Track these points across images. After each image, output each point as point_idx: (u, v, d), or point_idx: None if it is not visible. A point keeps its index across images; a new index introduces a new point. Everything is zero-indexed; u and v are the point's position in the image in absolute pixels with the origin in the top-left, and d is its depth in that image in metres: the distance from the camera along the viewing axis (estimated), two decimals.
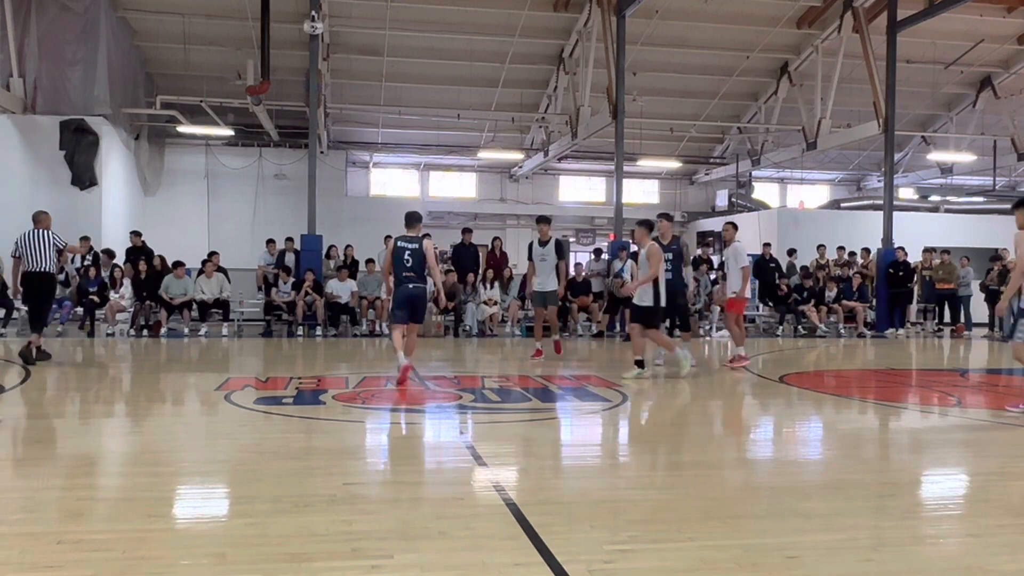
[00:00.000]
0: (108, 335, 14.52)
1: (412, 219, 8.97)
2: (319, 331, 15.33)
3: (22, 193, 16.39)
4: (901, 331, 17.72)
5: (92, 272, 14.89)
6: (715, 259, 18.22)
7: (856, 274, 18.01)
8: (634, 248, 12.74)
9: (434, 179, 28.03)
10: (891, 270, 17.93)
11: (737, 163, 26.38)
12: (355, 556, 3.46)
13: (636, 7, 17.56)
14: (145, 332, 14.84)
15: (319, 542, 3.62)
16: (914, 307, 18.98)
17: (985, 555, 3.72)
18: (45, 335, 10.95)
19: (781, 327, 16.99)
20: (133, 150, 20.94)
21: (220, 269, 15.57)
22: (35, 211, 10.54)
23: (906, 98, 21.87)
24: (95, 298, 14.60)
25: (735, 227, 11.50)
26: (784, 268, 18.61)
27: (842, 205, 26.87)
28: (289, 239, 16.79)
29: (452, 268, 16.31)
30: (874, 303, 18.12)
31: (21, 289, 10.33)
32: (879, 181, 25.62)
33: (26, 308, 11.62)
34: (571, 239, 27.48)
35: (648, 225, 10.01)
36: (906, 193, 28.08)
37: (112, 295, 14.79)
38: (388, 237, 15.94)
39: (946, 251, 18.48)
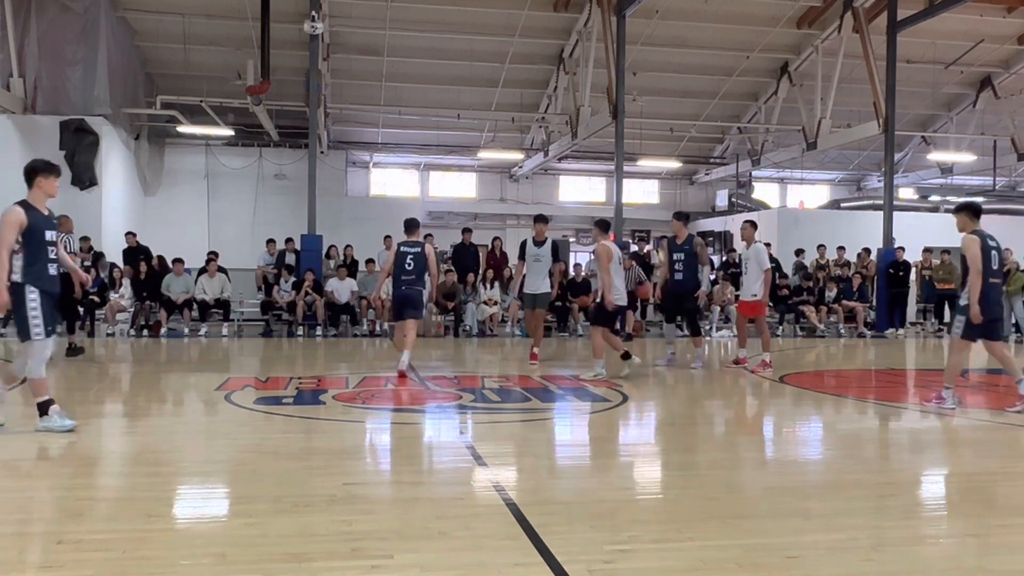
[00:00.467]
0: (108, 335, 14.52)
1: (412, 225, 9.27)
2: (319, 331, 15.32)
3: (22, 193, 16.24)
4: (901, 331, 17.72)
5: (92, 272, 14.87)
6: (715, 259, 18.21)
7: (856, 274, 18.01)
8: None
9: (434, 179, 28.00)
10: (891, 270, 17.93)
11: (737, 163, 26.34)
12: (355, 556, 3.47)
13: (636, 7, 17.54)
14: (145, 332, 14.84)
15: (319, 542, 3.62)
16: (912, 307, 18.95)
17: (985, 555, 3.72)
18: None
19: (781, 327, 16.99)
20: (133, 150, 20.92)
21: (220, 269, 15.58)
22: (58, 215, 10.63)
23: (906, 98, 21.82)
24: (95, 298, 14.59)
25: (754, 226, 10.88)
26: (792, 268, 18.64)
27: (842, 205, 26.86)
28: (289, 239, 16.79)
29: (452, 268, 16.31)
30: (874, 303, 18.13)
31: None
32: (879, 181, 25.58)
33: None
34: (571, 239, 27.48)
35: (603, 225, 9.94)
36: (906, 193, 28.04)
37: (112, 295, 14.80)
38: (388, 237, 15.99)
39: (946, 251, 18.44)
